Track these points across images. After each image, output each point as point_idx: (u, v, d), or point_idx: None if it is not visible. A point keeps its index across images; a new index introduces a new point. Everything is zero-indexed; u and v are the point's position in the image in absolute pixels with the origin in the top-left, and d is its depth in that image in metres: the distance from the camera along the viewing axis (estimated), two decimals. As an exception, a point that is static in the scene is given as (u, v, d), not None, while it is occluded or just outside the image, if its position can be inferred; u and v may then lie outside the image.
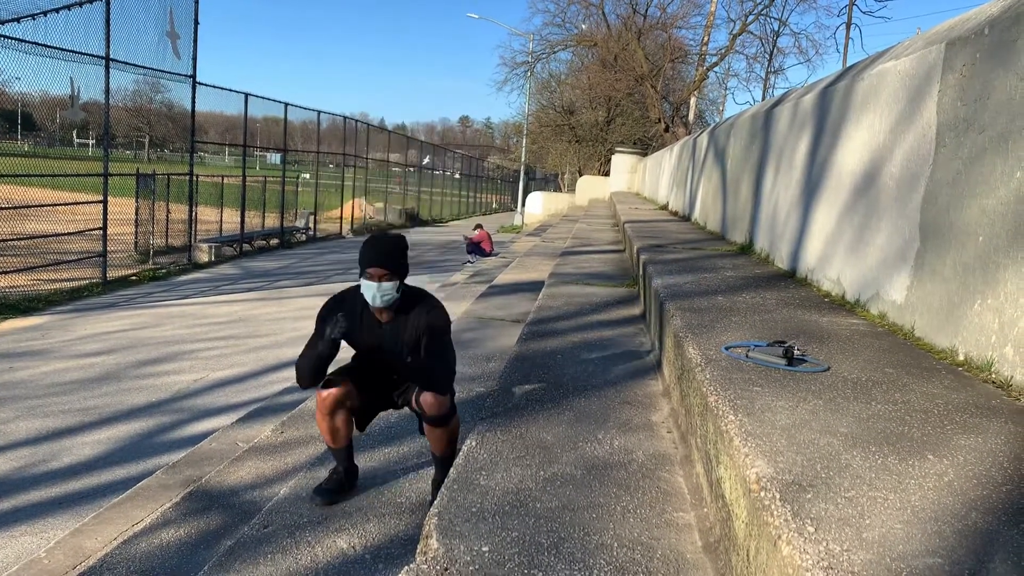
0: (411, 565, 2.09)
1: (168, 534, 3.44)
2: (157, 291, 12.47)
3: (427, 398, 3.03)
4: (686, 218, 11.23)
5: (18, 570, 3.47)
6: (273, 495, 3.45)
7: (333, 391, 3.10)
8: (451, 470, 2.64)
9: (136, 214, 15.27)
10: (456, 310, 6.87)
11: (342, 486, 3.23)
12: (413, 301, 3.17)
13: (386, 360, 3.19)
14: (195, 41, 15.49)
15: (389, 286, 3.03)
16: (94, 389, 6.79)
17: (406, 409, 3.37)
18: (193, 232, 16.19)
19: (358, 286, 3.14)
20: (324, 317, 3.14)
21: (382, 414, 3.98)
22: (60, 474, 4.97)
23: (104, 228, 12.64)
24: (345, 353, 3.21)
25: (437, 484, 3.18)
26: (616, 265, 7.90)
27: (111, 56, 12.66)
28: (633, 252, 7.11)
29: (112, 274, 12.75)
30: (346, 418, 3.17)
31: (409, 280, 3.20)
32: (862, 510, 1.64)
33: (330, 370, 3.17)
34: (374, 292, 3.02)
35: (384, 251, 3.07)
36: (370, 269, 3.03)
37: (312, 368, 3.09)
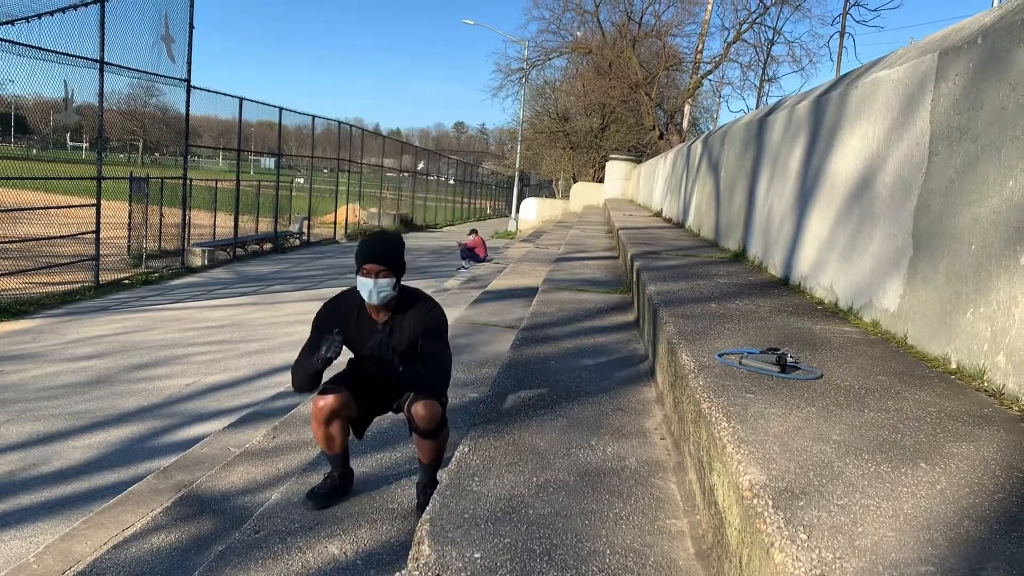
0: (403, 571, 2.08)
1: (159, 539, 3.43)
2: (150, 295, 12.43)
3: (419, 409, 2.99)
4: (680, 225, 11.25)
5: (7, 575, 3.44)
6: (265, 500, 3.43)
7: (329, 401, 3.04)
8: (443, 475, 2.63)
9: (129, 218, 15.21)
10: (450, 316, 6.84)
11: (335, 491, 3.20)
12: (410, 301, 3.13)
13: (382, 363, 3.11)
14: (190, 45, 15.47)
15: (385, 283, 2.99)
16: (86, 393, 6.75)
17: (397, 415, 3.35)
18: (186, 236, 16.14)
19: (354, 288, 3.10)
20: (320, 322, 3.11)
21: (376, 419, 3.96)
22: (50, 478, 4.94)
23: (97, 231, 12.60)
24: (344, 356, 3.19)
25: (422, 488, 3.16)
26: (610, 271, 7.90)
27: (105, 59, 12.63)
28: (627, 258, 7.11)
29: (105, 278, 12.70)
30: (341, 426, 3.13)
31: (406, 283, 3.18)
32: (855, 518, 1.64)
33: (327, 375, 3.14)
34: (370, 288, 2.97)
35: (381, 248, 3.03)
36: (367, 265, 2.98)
37: (308, 377, 3.05)
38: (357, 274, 3.03)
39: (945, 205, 3.06)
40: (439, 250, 22.50)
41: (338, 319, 3.11)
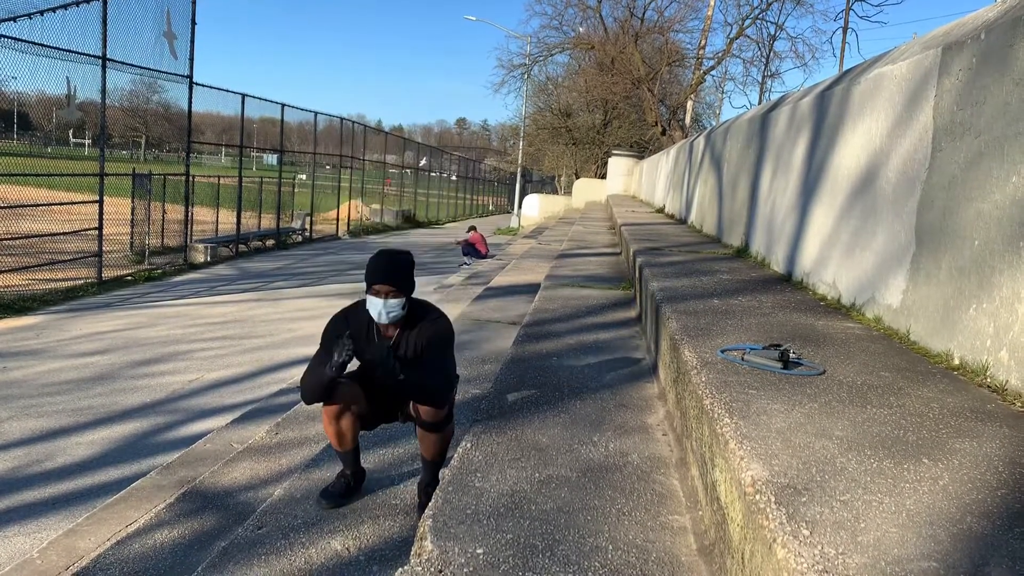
0: (405, 567, 2.08)
1: (162, 535, 3.43)
2: (153, 291, 12.44)
3: (424, 407, 3.02)
4: (682, 221, 11.24)
5: (11, 571, 3.46)
6: (267, 496, 3.44)
7: (337, 404, 3.05)
8: (446, 471, 2.63)
9: (132, 214, 15.23)
10: (452, 312, 6.87)
11: (349, 489, 3.20)
12: (419, 314, 3.14)
13: (386, 372, 3.09)
14: (192, 42, 15.47)
15: (395, 303, 3.00)
16: (89, 389, 6.77)
17: (408, 423, 3.34)
18: (189, 232, 16.16)
19: (362, 302, 3.11)
20: (330, 336, 3.10)
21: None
22: (54, 474, 4.95)
23: (100, 228, 12.61)
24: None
25: (423, 487, 3.15)
26: (612, 268, 7.90)
27: (108, 56, 12.64)
28: (629, 255, 7.11)
29: (107, 274, 12.72)
30: (352, 422, 3.12)
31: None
32: (857, 514, 1.64)
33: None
34: (380, 308, 2.99)
35: (391, 268, 3.03)
36: (376, 285, 2.99)
37: (320, 387, 3.03)
38: (367, 292, 3.03)
39: (948, 201, 3.05)
40: (441, 247, 22.49)
41: (351, 332, 3.10)
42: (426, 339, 3.10)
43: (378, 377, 3.11)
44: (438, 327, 3.13)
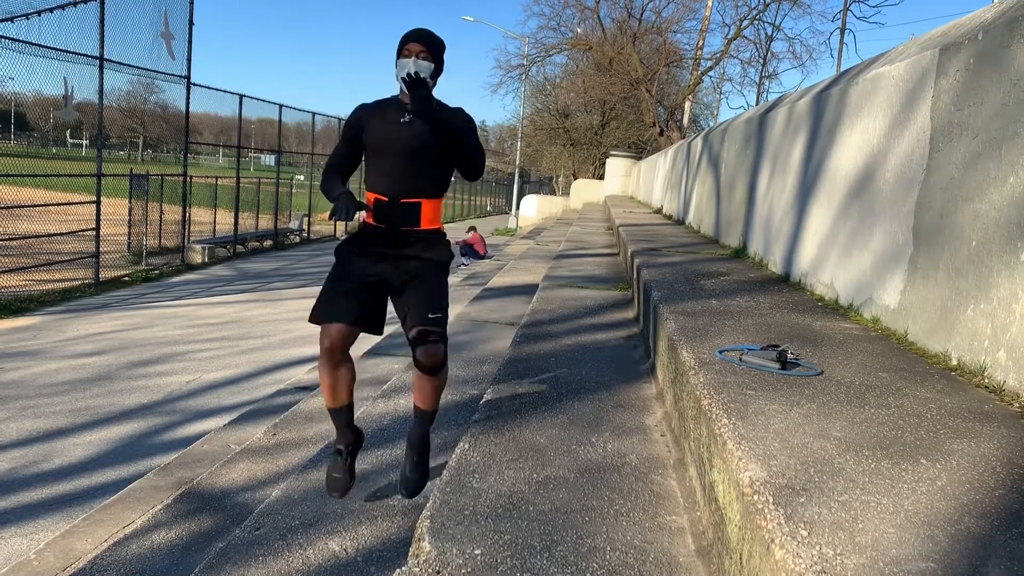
0: (403, 568, 2.08)
1: (159, 536, 3.43)
2: (150, 292, 12.43)
3: (423, 352, 2.85)
4: (680, 222, 11.24)
5: (7, 572, 3.45)
6: (265, 497, 3.43)
7: (333, 336, 2.86)
8: (444, 472, 2.63)
9: (129, 215, 15.21)
10: (450, 313, 6.86)
11: (350, 471, 3.07)
12: (443, 105, 3.03)
13: (411, 147, 2.94)
14: (190, 42, 15.46)
15: (426, 65, 2.87)
16: (86, 390, 6.76)
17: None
18: (186, 233, 16.16)
19: (393, 96, 3.02)
20: (350, 123, 3.03)
21: (372, 417, 3.97)
22: (51, 475, 4.94)
23: (97, 228, 12.60)
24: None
25: (414, 442, 3.06)
26: (610, 268, 7.90)
27: (105, 56, 12.64)
28: (627, 255, 7.11)
29: (105, 275, 12.71)
30: (349, 372, 2.98)
31: None
32: (855, 514, 1.64)
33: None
34: (410, 68, 2.83)
35: (425, 33, 2.94)
36: (409, 45, 2.88)
37: (333, 171, 2.98)
38: (398, 58, 2.90)
39: (946, 201, 3.05)
40: (439, 247, 22.45)
41: (368, 112, 3.01)
42: (453, 122, 2.96)
43: (402, 152, 2.94)
44: (464, 115, 3.04)
